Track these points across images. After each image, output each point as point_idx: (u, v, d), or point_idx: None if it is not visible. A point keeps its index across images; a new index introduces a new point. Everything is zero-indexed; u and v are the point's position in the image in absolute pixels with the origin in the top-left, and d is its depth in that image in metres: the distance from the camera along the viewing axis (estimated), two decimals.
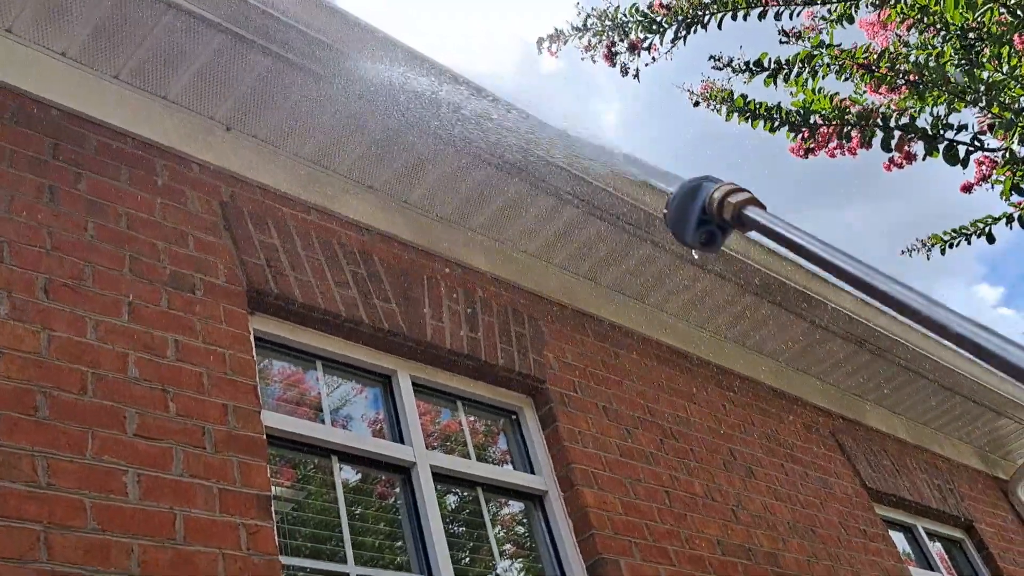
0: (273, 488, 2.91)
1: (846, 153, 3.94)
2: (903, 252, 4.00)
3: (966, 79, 3.06)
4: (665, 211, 1.08)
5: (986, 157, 3.74)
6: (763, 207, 0.96)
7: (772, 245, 5.09)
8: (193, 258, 3.13)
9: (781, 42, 3.21)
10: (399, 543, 3.35)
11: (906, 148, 3.75)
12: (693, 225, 1.04)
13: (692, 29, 3.46)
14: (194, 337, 2.94)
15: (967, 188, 3.92)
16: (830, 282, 5.58)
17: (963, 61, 3.32)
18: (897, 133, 3.28)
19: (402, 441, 3.53)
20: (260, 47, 3.35)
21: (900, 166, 3.94)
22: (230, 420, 2.84)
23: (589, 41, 3.69)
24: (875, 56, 3.17)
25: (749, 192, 0.99)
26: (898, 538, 6.00)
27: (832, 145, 3.88)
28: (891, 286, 0.76)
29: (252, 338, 3.16)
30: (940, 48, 3.32)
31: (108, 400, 2.58)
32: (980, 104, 3.08)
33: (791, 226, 0.88)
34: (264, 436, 2.92)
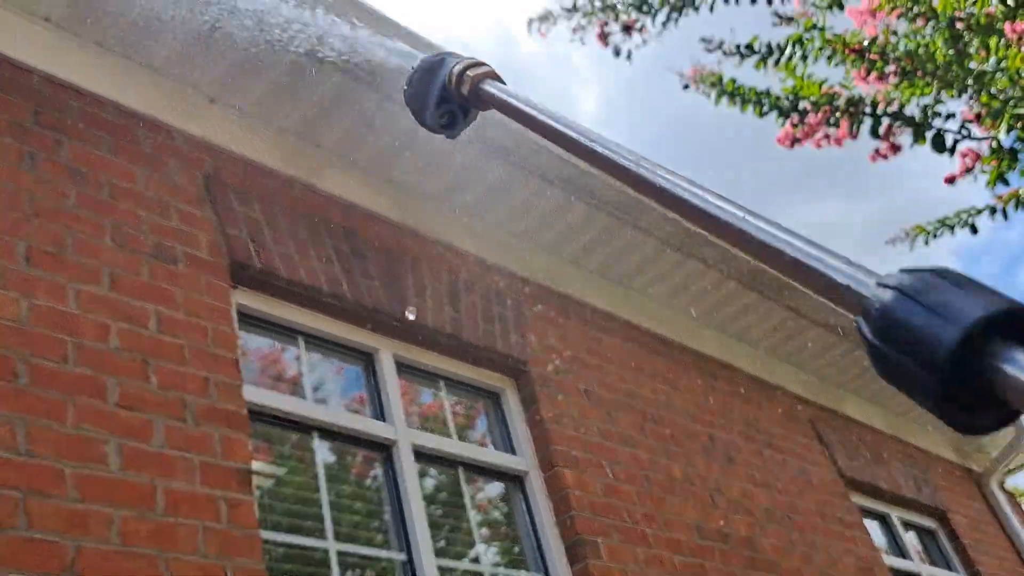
0: (254, 463, 2.88)
1: (832, 143, 3.94)
2: (888, 242, 4.02)
3: (955, 68, 3.07)
4: (405, 87, 0.98)
5: (970, 150, 3.76)
6: (503, 82, 0.90)
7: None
8: (175, 230, 3.09)
9: (774, 24, 3.21)
10: (379, 520, 3.34)
11: (892, 139, 3.76)
12: (433, 104, 0.96)
13: (683, 11, 3.45)
14: (176, 309, 2.90)
15: (951, 180, 3.94)
16: None
17: (951, 51, 3.33)
18: (885, 120, 3.29)
19: (383, 419, 3.51)
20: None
21: (885, 157, 3.95)
22: (211, 393, 2.81)
23: (578, 22, 3.67)
24: (866, 42, 3.17)
25: (490, 66, 0.92)
26: (873, 527, 6.05)
27: (819, 135, 3.89)
28: (616, 152, 0.73)
29: (234, 312, 3.14)
30: (930, 38, 3.33)
31: (89, 369, 2.55)
32: (969, 92, 3.09)
33: (529, 102, 0.83)
34: (245, 410, 2.90)
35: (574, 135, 0.77)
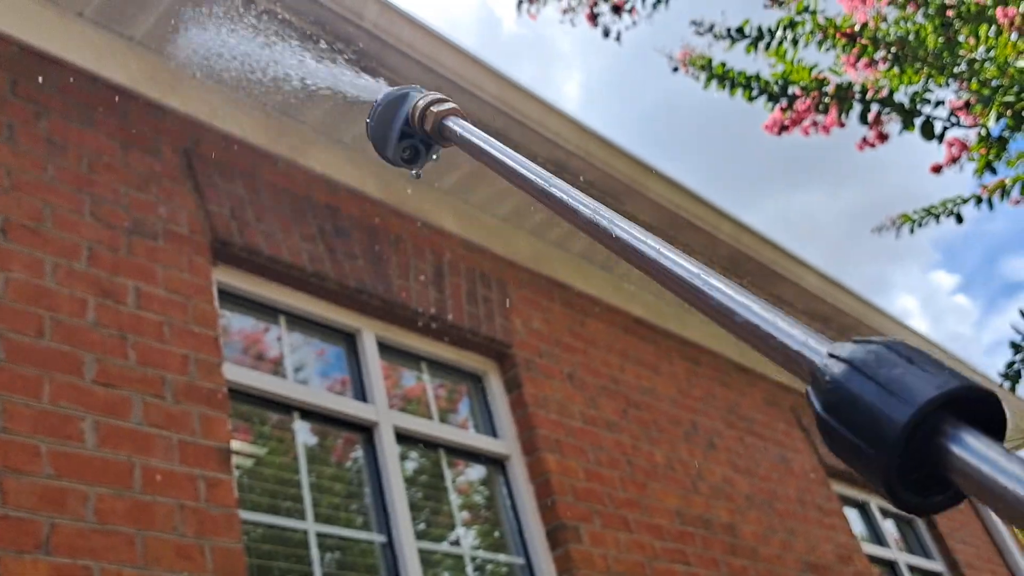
0: (233, 442, 2.85)
1: (820, 130, 3.93)
2: (874, 230, 4.02)
3: (946, 54, 3.05)
4: (368, 121, 1.00)
5: (956, 140, 3.75)
6: (465, 118, 0.92)
7: (743, 219, 5.10)
8: (156, 205, 3.04)
9: (765, 7, 3.18)
10: (359, 502, 3.32)
11: (880, 128, 3.75)
12: (395, 138, 0.98)
13: None
14: (155, 285, 2.86)
15: (937, 169, 3.94)
16: (797, 259, 5.61)
17: (941, 39, 3.32)
18: (874, 107, 3.27)
19: (365, 400, 3.48)
20: None
21: (872, 145, 3.94)
22: (191, 371, 2.77)
23: (568, 2, 3.63)
24: (857, 27, 3.15)
25: (453, 103, 0.94)
26: (852, 515, 6.08)
27: (807, 122, 3.87)
28: (573, 198, 0.74)
29: (215, 289, 3.09)
30: (921, 24, 3.31)
31: (66, 345, 2.50)
32: (961, 78, 3.08)
33: (490, 141, 0.86)
34: (225, 389, 2.86)
35: (532, 176, 0.79)
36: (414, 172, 1.02)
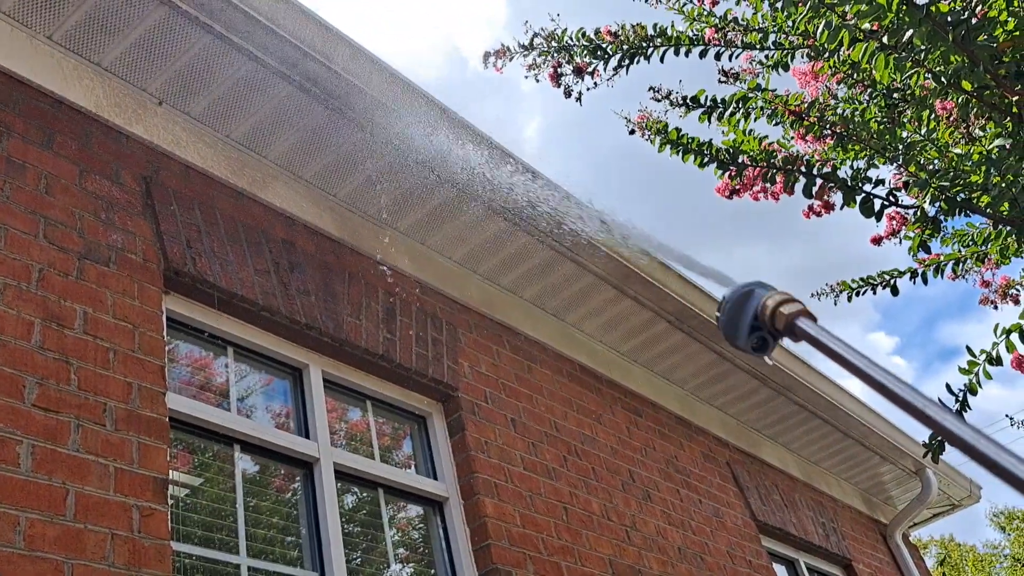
0: (171, 472, 2.85)
1: (769, 197, 4.07)
2: (813, 295, 4.15)
3: (887, 137, 3.20)
4: (718, 315, 1.11)
5: (897, 212, 3.90)
6: (814, 319, 1.01)
7: (689, 276, 5.22)
8: (111, 230, 3.05)
9: (720, 81, 3.31)
10: (294, 538, 3.32)
11: (826, 197, 3.90)
12: (746, 331, 1.08)
13: (635, 59, 3.54)
14: (104, 311, 2.87)
15: (877, 240, 4.09)
16: None
17: (885, 119, 3.47)
18: (819, 181, 3.41)
19: (307, 436, 3.50)
20: (201, 24, 3.30)
21: (819, 214, 4.08)
22: (134, 399, 2.78)
23: (534, 60, 3.73)
24: (806, 105, 3.29)
25: (801, 303, 1.03)
26: (780, 570, 6.18)
27: (756, 188, 4.00)
28: (936, 412, 0.80)
29: (164, 318, 3.10)
30: (866, 104, 3.46)
31: (8, 367, 2.50)
32: (898, 162, 3.23)
33: (841, 341, 0.93)
34: (167, 419, 2.86)
35: (885, 381, 0.85)
36: (765, 357, 1.13)
